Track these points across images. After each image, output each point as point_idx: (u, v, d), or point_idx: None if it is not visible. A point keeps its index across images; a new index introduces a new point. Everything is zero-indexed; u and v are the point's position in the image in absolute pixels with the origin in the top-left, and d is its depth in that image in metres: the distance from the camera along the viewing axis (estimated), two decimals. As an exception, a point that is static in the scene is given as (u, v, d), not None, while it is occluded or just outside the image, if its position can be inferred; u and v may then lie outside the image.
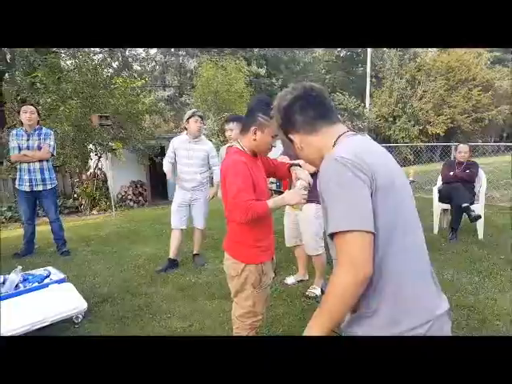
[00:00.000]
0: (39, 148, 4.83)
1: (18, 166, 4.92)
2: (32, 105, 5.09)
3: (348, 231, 1.03)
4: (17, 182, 4.94)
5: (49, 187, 4.95)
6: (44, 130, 5.00)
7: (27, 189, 4.85)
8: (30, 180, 4.83)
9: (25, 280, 3.34)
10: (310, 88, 1.29)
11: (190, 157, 4.30)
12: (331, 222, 1.08)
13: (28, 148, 4.81)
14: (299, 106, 1.27)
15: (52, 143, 4.93)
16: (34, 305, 2.98)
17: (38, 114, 5.01)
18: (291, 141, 1.33)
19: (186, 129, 4.35)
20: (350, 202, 1.06)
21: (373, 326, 1.10)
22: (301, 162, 2.28)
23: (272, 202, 1.99)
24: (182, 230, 4.45)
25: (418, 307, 1.10)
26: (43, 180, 4.88)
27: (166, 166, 4.45)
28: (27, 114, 4.79)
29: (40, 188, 4.88)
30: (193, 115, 4.23)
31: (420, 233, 1.20)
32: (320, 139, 1.27)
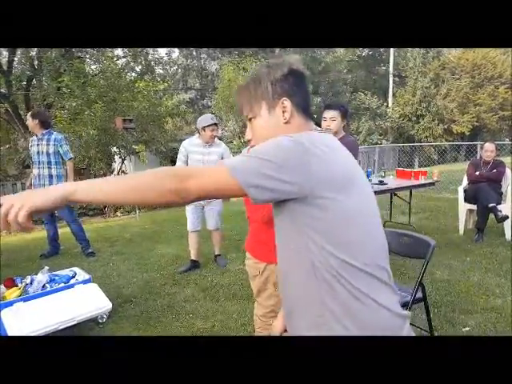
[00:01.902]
0: (47, 154, 4.83)
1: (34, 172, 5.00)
2: (33, 111, 5.24)
3: (229, 172, 0.93)
4: None
5: None
6: (54, 135, 4.91)
7: None
8: (40, 185, 4.86)
9: (52, 280, 3.42)
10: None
11: (206, 161, 4.28)
12: (233, 160, 0.98)
13: (38, 153, 4.85)
14: (299, 80, 1.19)
15: (65, 149, 4.87)
16: (62, 304, 3.05)
17: (38, 119, 4.86)
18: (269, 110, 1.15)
19: (199, 132, 4.26)
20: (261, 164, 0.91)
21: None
22: None
23: None
24: (197, 231, 4.49)
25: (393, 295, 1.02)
26: None
27: None
28: None
29: None
30: (209, 125, 4.14)
31: (382, 231, 1.07)
32: (303, 123, 1.14)
